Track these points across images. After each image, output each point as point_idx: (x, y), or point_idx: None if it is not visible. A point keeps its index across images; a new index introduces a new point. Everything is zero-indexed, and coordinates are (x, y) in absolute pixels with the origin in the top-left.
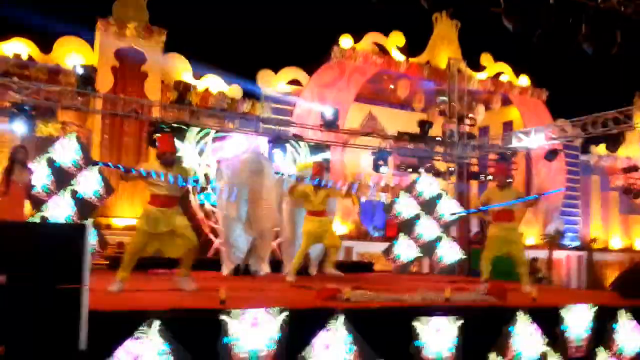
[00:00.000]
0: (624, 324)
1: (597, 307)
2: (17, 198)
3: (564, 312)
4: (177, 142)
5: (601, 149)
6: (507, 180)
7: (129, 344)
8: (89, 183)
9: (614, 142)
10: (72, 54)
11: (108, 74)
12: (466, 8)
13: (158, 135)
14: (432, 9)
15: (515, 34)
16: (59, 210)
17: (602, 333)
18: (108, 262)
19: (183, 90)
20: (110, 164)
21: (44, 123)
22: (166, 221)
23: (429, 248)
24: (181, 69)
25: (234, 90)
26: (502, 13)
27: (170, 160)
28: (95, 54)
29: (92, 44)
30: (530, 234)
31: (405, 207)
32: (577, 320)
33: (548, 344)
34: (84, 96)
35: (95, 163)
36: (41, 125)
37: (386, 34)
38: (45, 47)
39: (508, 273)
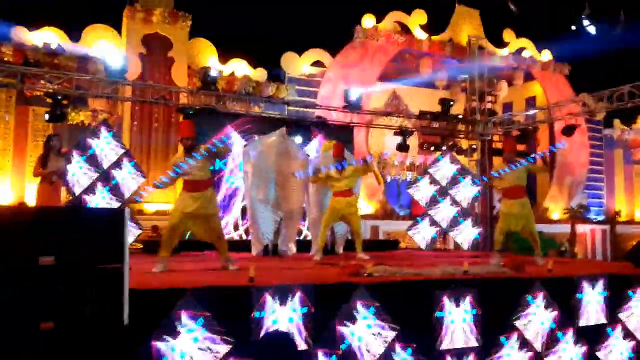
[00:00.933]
0: (637, 291)
1: (611, 276)
2: (54, 185)
3: (578, 282)
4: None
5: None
6: (515, 157)
7: (168, 319)
8: (121, 169)
9: (629, 116)
10: (100, 42)
11: (136, 61)
12: None
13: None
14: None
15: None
16: (94, 196)
17: (617, 301)
18: (142, 246)
19: (206, 79)
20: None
21: (76, 111)
22: (198, 204)
23: (453, 225)
24: (207, 53)
25: (259, 74)
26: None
27: (189, 145)
28: (123, 40)
29: (119, 31)
30: (555, 209)
31: (429, 185)
32: (592, 290)
33: (564, 313)
34: (113, 84)
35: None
36: (73, 113)
37: (408, 13)
38: (74, 35)
39: (530, 248)
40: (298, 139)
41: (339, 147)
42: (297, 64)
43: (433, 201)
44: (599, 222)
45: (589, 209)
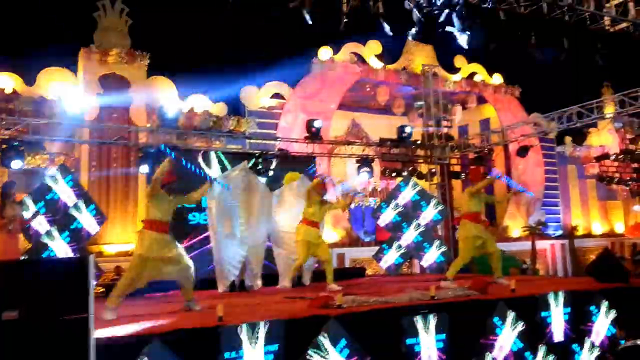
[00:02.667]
0: (599, 306)
1: (573, 293)
2: (11, 233)
3: (542, 300)
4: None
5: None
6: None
7: None
8: (81, 213)
9: (580, 135)
10: (56, 84)
11: (93, 102)
12: (426, 29)
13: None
14: (396, 26)
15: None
16: (54, 241)
17: (580, 317)
18: (104, 290)
19: (164, 119)
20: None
21: (32, 155)
22: (161, 246)
23: (417, 249)
24: (166, 90)
25: (219, 108)
26: (459, 32)
27: (172, 189)
28: (80, 82)
29: (76, 73)
30: (514, 226)
31: (392, 211)
32: (556, 307)
33: (529, 332)
34: (70, 127)
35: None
36: (29, 157)
37: (363, 44)
38: (29, 78)
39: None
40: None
41: (320, 185)
42: (257, 97)
43: (397, 226)
44: (557, 237)
45: (547, 225)
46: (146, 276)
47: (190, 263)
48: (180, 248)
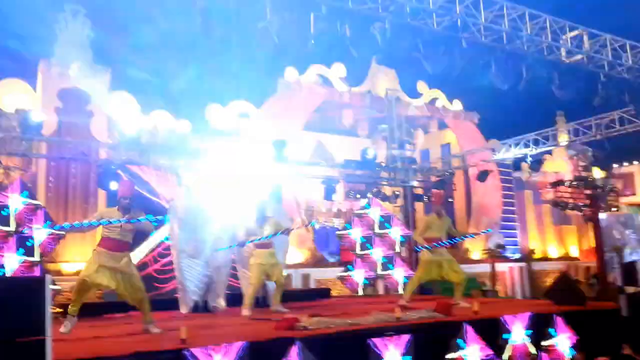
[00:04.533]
0: (559, 328)
1: (533, 315)
2: None
3: (504, 322)
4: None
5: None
6: (448, 202)
7: None
8: (37, 229)
9: (536, 161)
10: (13, 97)
11: (52, 116)
12: (390, 54)
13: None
14: (361, 51)
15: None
16: (8, 258)
17: (541, 338)
18: (62, 310)
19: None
20: (64, 225)
21: None
22: (118, 262)
23: (382, 270)
24: (128, 106)
25: (183, 125)
26: (422, 58)
27: (126, 205)
28: (38, 95)
29: (34, 86)
30: (474, 249)
31: (357, 232)
32: (517, 328)
33: (493, 353)
34: (28, 141)
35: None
36: None
37: (328, 66)
38: None
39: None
40: None
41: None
42: (222, 115)
43: (362, 247)
44: (516, 260)
45: (505, 248)
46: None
47: (142, 287)
48: (134, 269)
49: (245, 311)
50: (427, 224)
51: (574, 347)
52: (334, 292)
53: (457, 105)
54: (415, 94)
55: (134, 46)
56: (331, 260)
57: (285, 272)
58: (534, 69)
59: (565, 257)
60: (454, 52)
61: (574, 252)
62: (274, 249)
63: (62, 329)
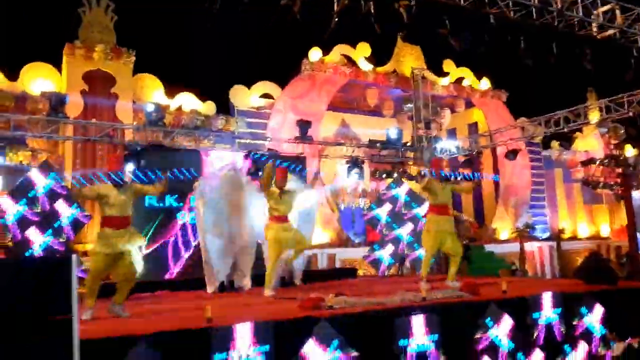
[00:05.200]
0: (589, 307)
1: (563, 295)
2: None
3: (533, 301)
4: None
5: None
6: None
7: None
8: (64, 211)
9: (566, 139)
10: (39, 80)
11: (77, 98)
12: (416, 31)
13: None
14: (386, 28)
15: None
16: (36, 239)
17: (571, 318)
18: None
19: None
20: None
21: (14, 151)
22: (120, 241)
23: (407, 250)
24: (152, 88)
25: (207, 107)
26: (448, 35)
27: (118, 180)
28: (64, 78)
29: (60, 69)
30: (503, 228)
31: (383, 212)
32: (546, 308)
33: (521, 333)
34: (54, 123)
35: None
36: (10, 153)
37: (353, 46)
38: (11, 73)
39: (481, 269)
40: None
41: (282, 171)
42: (246, 97)
43: (387, 227)
44: (545, 240)
45: (535, 228)
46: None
47: (134, 268)
48: (135, 245)
49: (268, 291)
50: (424, 185)
51: (605, 326)
52: (359, 272)
53: (485, 83)
54: (441, 73)
55: (158, 28)
56: (357, 240)
57: (310, 253)
58: (565, 45)
59: (596, 237)
60: (481, 29)
61: (605, 231)
62: (290, 223)
63: (83, 317)
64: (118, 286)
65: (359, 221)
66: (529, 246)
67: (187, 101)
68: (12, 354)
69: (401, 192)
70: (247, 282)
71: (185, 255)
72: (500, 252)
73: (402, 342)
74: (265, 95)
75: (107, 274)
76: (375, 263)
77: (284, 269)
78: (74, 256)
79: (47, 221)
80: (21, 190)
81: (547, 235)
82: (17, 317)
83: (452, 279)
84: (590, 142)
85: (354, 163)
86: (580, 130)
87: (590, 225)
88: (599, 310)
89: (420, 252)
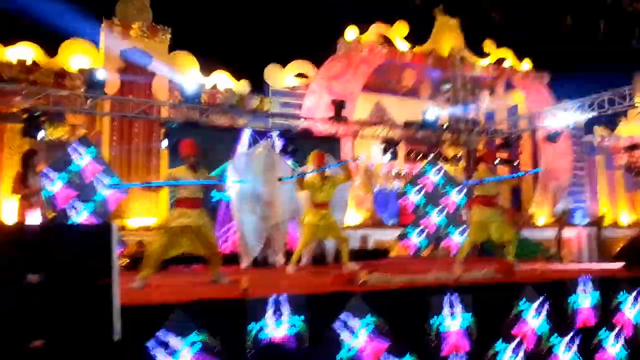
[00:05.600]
0: (628, 292)
1: (601, 278)
2: (34, 205)
3: (570, 285)
4: None
5: (603, 129)
6: (495, 164)
7: (160, 334)
8: (103, 185)
9: (611, 122)
10: (77, 56)
11: (114, 75)
12: (456, 3)
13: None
14: (425, 5)
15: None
16: (76, 214)
17: (608, 303)
18: (128, 262)
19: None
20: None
21: (53, 127)
22: (189, 220)
23: (440, 232)
24: (188, 66)
25: (242, 86)
26: (489, 7)
27: (194, 162)
28: (101, 55)
29: (97, 46)
30: (541, 214)
31: (417, 194)
32: (584, 292)
33: (556, 316)
34: (92, 99)
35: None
36: (50, 129)
37: (390, 24)
38: (50, 50)
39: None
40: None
41: (319, 156)
42: (281, 76)
43: (422, 209)
44: (584, 226)
45: (574, 214)
46: (171, 250)
47: (214, 240)
48: (207, 223)
49: (290, 267)
50: (478, 176)
51: None
52: (392, 254)
53: (526, 65)
54: (481, 54)
55: (193, 6)
56: (390, 222)
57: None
58: (613, 21)
59: (638, 224)
60: (525, 3)
61: None
62: (330, 210)
63: (133, 285)
64: (209, 260)
65: (393, 203)
66: (568, 232)
67: (222, 80)
68: (52, 317)
69: (436, 174)
70: (280, 259)
71: (221, 231)
72: (537, 238)
73: (434, 320)
74: (300, 75)
75: (170, 252)
76: (409, 245)
77: (316, 247)
78: (114, 224)
79: (86, 195)
80: (61, 164)
81: (586, 221)
82: (58, 281)
83: (512, 259)
84: (635, 128)
85: (389, 144)
86: (624, 114)
87: (631, 213)
88: (637, 294)
89: (456, 235)
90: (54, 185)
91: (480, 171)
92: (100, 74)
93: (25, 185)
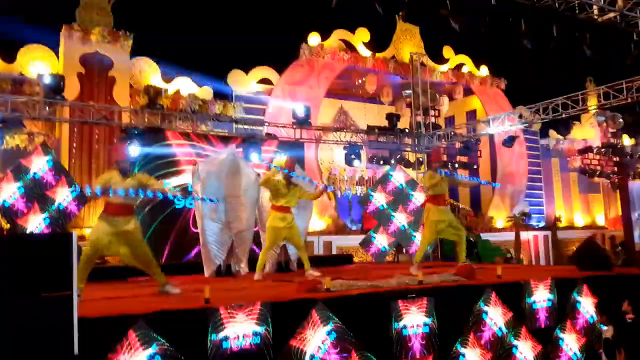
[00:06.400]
0: (582, 293)
1: (557, 280)
2: None
3: (527, 286)
4: None
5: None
6: (441, 166)
7: (119, 348)
8: (62, 194)
9: (565, 126)
10: (36, 62)
11: (74, 81)
12: (417, 11)
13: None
14: (386, 12)
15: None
16: (33, 222)
17: (564, 303)
18: None
19: (154, 94)
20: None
21: (10, 135)
22: (116, 227)
23: (404, 237)
24: (150, 72)
25: (205, 92)
26: (449, 15)
27: (125, 168)
28: (60, 61)
29: (56, 52)
30: (498, 217)
31: (380, 199)
32: (540, 293)
33: (515, 317)
34: (51, 105)
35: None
36: (7, 136)
37: (352, 31)
38: (8, 56)
39: (480, 256)
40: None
41: (291, 161)
42: (244, 82)
43: (384, 214)
44: (540, 229)
45: (530, 216)
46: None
47: (147, 249)
48: (137, 232)
49: (257, 275)
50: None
51: (597, 310)
52: (355, 259)
53: (484, 70)
54: (441, 60)
55: (155, 11)
56: (353, 227)
57: (307, 239)
58: (565, 28)
59: (592, 226)
60: (481, 10)
61: (601, 220)
62: (292, 213)
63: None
64: (147, 271)
65: (356, 208)
66: (525, 235)
67: (184, 86)
68: (13, 331)
69: (398, 179)
70: (243, 267)
71: (182, 239)
72: (495, 241)
73: (397, 325)
74: (264, 81)
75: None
76: (372, 250)
77: (280, 254)
78: (74, 233)
79: (44, 204)
80: (18, 173)
81: (542, 224)
82: (16, 293)
83: (462, 261)
84: (588, 131)
85: (352, 149)
86: (578, 118)
87: (585, 214)
88: (591, 296)
89: (417, 239)
90: (11, 195)
91: (429, 173)
92: (60, 80)
93: None
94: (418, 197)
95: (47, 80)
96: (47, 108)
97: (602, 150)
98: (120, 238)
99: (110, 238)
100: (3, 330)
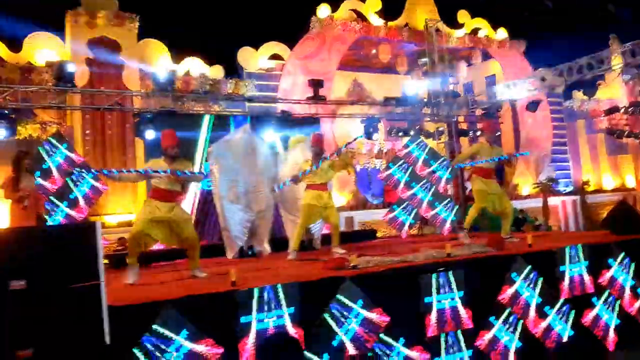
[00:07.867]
0: (617, 258)
1: (590, 246)
2: (28, 209)
3: (560, 254)
4: None
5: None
6: (496, 135)
7: (150, 334)
8: (80, 182)
9: (589, 87)
10: (43, 50)
11: (83, 67)
12: None
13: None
14: None
15: None
16: (53, 212)
17: (599, 269)
18: (108, 261)
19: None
20: (105, 170)
21: (22, 124)
22: (165, 211)
23: (428, 209)
24: (158, 54)
25: (216, 71)
26: None
27: (172, 154)
28: (67, 47)
29: (63, 38)
30: (524, 183)
31: (401, 171)
32: (574, 261)
33: (549, 286)
34: (61, 93)
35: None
36: (19, 126)
37: (363, 0)
38: (15, 45)
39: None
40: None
41: (317, 137)
42: (254, 59)
43: (406, 187)
44: (568, 194)
45: (557, 182)
46: (149, 238)
47: (193, 233)
48: (185, 215)
49: (291, 255)
50: (477, 150)
51: (634, 275)
52: (379, 234)
53: (502, 33)
54: (456, 25)
55: None
56: (374, 202)
57: None
58: None
59: (621, 189)
60: None
61: (631, 182)
62: (328, 190)
63: (128, 280)
64: (188, 253)
65: (376, 182)
66: (553, 201)
67: (194, 66)
68: (39, 322)
69: (419, 150)
70: (265, 247)
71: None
72: (522, 208)
73: (427, 299)
74: (275, 56)
75: (149, 240)
76: (395, 224)
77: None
78: (97, 222)
79: (62, 193)
80: (34, 163)
81: (570, 188)
82: (44, 285)
83: (506, 234)
84: (614, 91)
85: (370, 122)
86: (602, 77)
87: (615, 176)
88: (627, 260)
89: (442, 211)
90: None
91: (480, 144)
92: (69, 67)
93: (18, 189)
94: (439, 168)
95: (57, 67)
96: (58, 96)
97: (630, 109)
98: (166, 223)
99: (157, 223)
100: (34, 323)
